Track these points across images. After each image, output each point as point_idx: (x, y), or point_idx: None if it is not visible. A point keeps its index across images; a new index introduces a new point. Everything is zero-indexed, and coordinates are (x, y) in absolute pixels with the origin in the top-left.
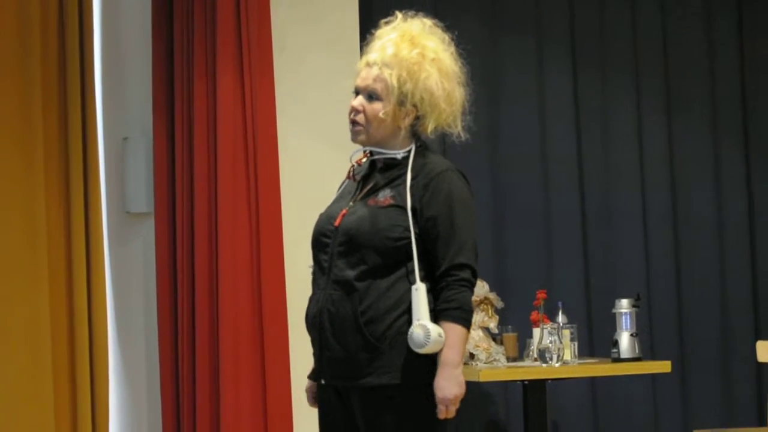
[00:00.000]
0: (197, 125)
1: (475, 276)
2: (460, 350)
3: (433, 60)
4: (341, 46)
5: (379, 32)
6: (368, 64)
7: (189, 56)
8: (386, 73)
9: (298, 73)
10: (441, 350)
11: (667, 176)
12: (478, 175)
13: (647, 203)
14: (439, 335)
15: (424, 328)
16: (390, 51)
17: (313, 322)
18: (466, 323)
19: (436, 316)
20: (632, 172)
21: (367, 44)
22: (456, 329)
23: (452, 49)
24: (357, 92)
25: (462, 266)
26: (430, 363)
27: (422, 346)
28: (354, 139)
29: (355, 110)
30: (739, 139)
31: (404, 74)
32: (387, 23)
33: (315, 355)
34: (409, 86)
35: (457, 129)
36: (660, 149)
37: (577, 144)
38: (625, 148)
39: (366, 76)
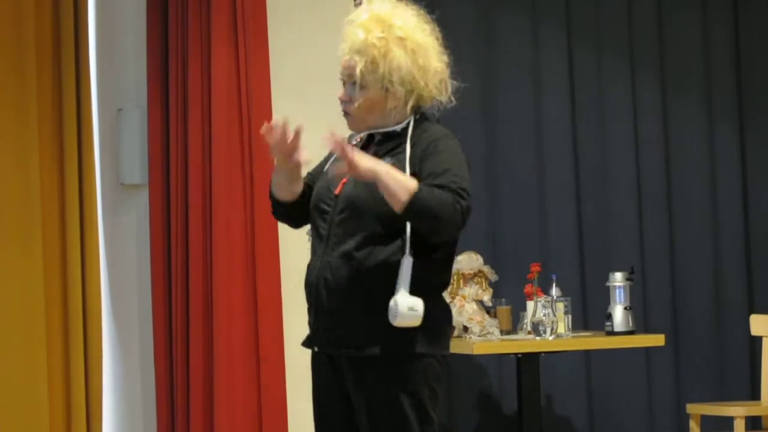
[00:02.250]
0: (191, 96)
1: (465, 198)
2: (389, 177)
3: (400, 38)
4: (333, 5)
5: (350, 17)
6: (344, 53)
7: (183, 27)
8: (358, 60)
9: (292, 41)
10: (420, 323)
11: (661, 150)
12: (472, 147)
13: (641, 177)
14: (410, 309)
15: (395, 302)
16: (361, 36)
17: (310, 289)
18: (419, 195)
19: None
20: (627, 146)
21: (344, 29)
22: (410, 183)
23: (424, 18)
24: (343, 80)
25: (461, 190)
26: (425, 335)
27: (392, 319)
28: (350, 128)
29: (342, 101)
30: (733, 115)
31: (376, 58)
32: (358, 5)
33: (309, 322)
34: (381, 69)
35: (446, 96)
36: (655, 124)
37: (571, 118)
38: (620, 122)
39: (344, 66)
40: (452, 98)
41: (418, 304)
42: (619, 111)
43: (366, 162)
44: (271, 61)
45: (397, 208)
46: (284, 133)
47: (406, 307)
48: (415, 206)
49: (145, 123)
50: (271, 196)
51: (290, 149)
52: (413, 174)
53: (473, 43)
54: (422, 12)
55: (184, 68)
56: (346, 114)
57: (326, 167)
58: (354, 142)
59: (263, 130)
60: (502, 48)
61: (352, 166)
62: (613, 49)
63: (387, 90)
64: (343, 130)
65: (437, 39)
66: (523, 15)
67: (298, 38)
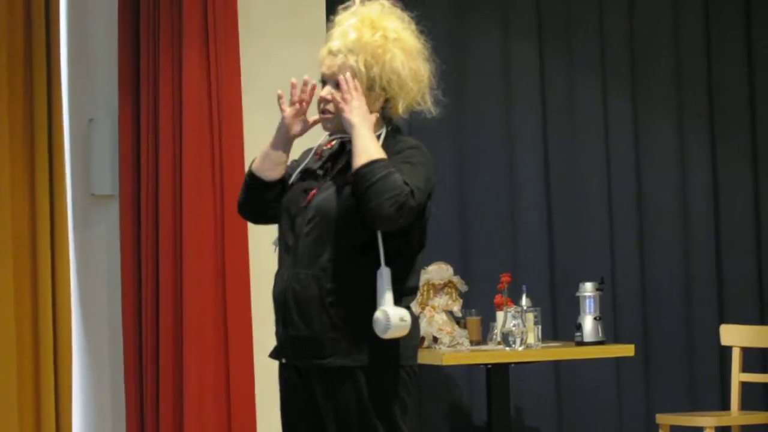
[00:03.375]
0: (162, 107)
1: (414, 199)
2: (361, 137)
3: (395, 40)
4: (307, 16)
5: (337, 18)
6: (331, 52)
7: (155, 38)
8: (351, 59)
9: (263, 51)
10: (407, 333)
11: (632, 161)
12: (442, 157)
13: (612, 188)
14: (401, 319)
15: (385, 314)
16: (352, 36)
17: (278, 300)
18: (376, 165)
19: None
20: (598, 156)
21: (329, 30)
22: (375, 152)
23: (413, 26)
24: (324, 81)
25: (417, 190)
26: (394, 346)
27: (384, 331)
28: (326, 128)
29: (324, 100)
30: (704, 122)
31: (369, 58)
32: (345, 8)
33: (277, 333)
34: (376, 70)
35: (427, 105)
36: (626, 132)
37: (542, 126)
38: (591, 133)
39: (331, 64)
40: (432, 109)
41: (406, 314)
42: (590, 122)
43: (355, 116)
44: (242, 71)
45: (353, 167)
46: (304, 91)
47: (398, 317)
48: (365, 173)
49: (116, 133)
50: (251, 178)
51: (303, 107)
52: None
53: (443, 53)
54: (410, 20)
55: (156, 79)
56: (324, 113)
57: (293, 178)
58: (324, 148)
59: (280, 94)
60: (472, 59)
61: (345, 105)
62: (584, 61)
63: (371, 91)
64: (314, 140)
65: (424, 46)
66: (494, 26)
67: (269, 49)
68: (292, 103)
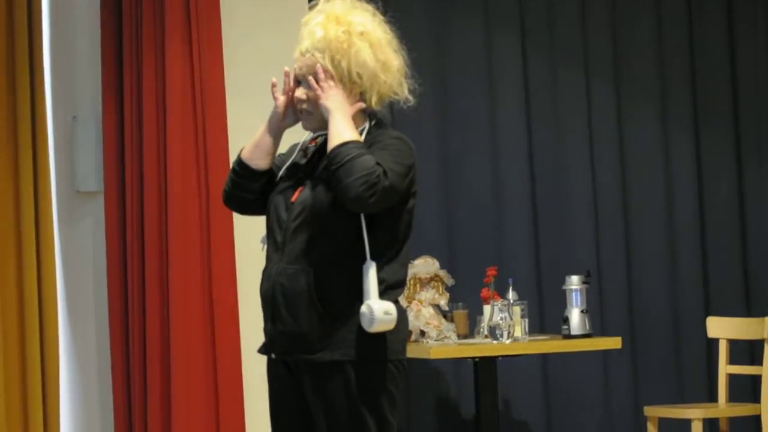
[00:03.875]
0: (146, 103)
1: (387, 179)
2: (337, 122)
3: (361, 33)
4: (291, 21)
5: (305, 18)
6: (301, 53)
7: (138, 33)
8: (319, 57)
9: (247, 48)
10: (394, 327)
11: (617, 153)
12: (426, 151)
13: (597, 180)
14: (385, 313)
15: (369, 308)
16: (319, 34)
17: (266, 296)
18: (348, 146)
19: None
20: (582, 149)
21: (299, 31)
22: (348, 135)
23: (379, 17)
24: (299, 81)
25: (389, 171)
26: (383, 340)
27: (369, 325)
28: (305, 127)
29: (299, 100)
30: (688, 114)
31: (336, 54)
32: (312, 8)
33: (266, 329)
34: (343, 64)
35: (403, 94)
36: (610, 125)
37: (526, 122)
38: (575, 126)
39: (301, 65)
40: (410, 97)
41: (391, 307)
42: (575, 115)
43: (331, 101)
44: (225, 68)
45: (328, 149)
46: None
47: (382, 311)
48: (336, 153)
49: (100, 130)
50: (240, 166)
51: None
52: None
53: (426, 48)
54: (376, 11)
55: (139, 76)
56: (302, 113)
57: (280, 174)
58: (309, 145)
59: (275, 82)
60: (455, 54)
61: (322, 92)
62: (567, 56)
63: (343, 86)
64: (301, 135)
65: (393, 37)
66: (477, 21)
67: (253, 46)
68: (285, 92)
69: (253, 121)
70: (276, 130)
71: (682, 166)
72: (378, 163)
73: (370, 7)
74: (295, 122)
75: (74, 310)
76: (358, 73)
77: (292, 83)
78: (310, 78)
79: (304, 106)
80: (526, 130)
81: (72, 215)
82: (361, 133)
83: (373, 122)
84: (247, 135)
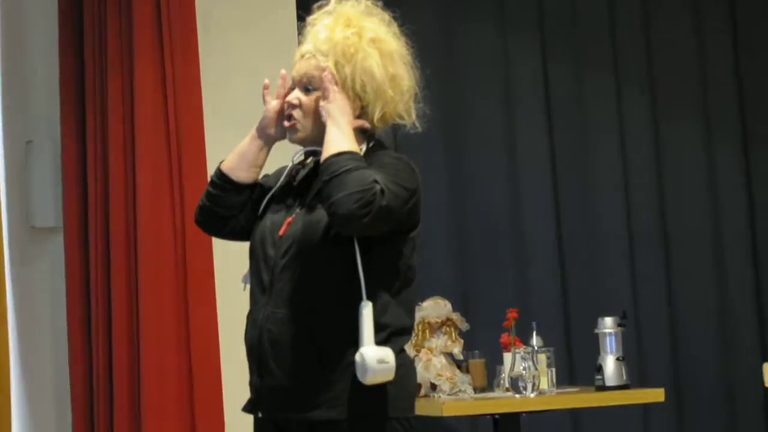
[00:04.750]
0: (112, 125)
1: (384, 198)
2: (335, 132)
3: (372, 40)
4: (275, 24)
5: (311, 19)
6: (302, 56)
7: (101, 46)
8: (321, 60)
9: (224, 57)
10: (394, 377)
11: (654, 177)
12: (436, 176)
13: (632, 208)
14: (379, 361)
15: (361, 356)
16: (323, 35)
17: (251, 345)
18: (342, 157)
19: None
20: (614, 174)
21: (301, 34)
22: (345, 146)
23: (395, 28)
24: (293, 87)
25: (387, 190)
26: (384, 394)
27: (362, 376)
28: (291, 138)
29: (290, 105)
30: (735, 133)
31: (340, 58)
32: (320, 7)
33: (252, 383)
34: (347, 70)
35: (411, 119)
36: (645, 147)
37: (549, 140)
38: (605, 147)
39: (300, 68)
40: (417, 123)
41: (388, 355)
42: (604, 133)
43: (334, 107)
44: (203, 89)
45: (321, 158)
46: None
47: (375, 360)
48: (330, 163)
49: (58, 157)
50: (220, 178)
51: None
52: None
53: (435, 57)
54: (393, 21)
55: (103, 94)
56: (290, 119)
57: (262, 205)
58: (298, 168)
59: (266, 85)
60: (468, 64)
61: (327, 93)
62: (594, 62)
63: (347, 97)
64: (283, 142)
65: (408, 53)
66: (491, 25)
67: (232, 63)
68: (278, 96)
69: (234, 139)
70: (265, 137)
71: (730, 190)
72: (376, 180)
73: (386, 16)
74: (284, 137)
75: (29, 367)
76: (362, 84)
77: (287, 86)
78: (300, 97)
79: (295, 112)
80: (549, 149)
81: (26, 254)
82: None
83: (371, 144)
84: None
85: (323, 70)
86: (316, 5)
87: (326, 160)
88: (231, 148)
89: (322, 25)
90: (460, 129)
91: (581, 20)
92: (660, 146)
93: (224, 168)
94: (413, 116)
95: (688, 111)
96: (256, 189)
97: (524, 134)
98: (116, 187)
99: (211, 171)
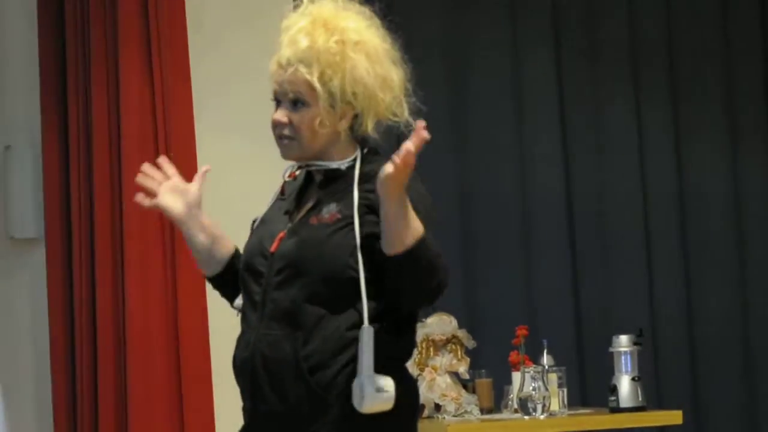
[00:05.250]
0: (96, 130)
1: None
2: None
3: (356, 44)
4: (271, 24)
5: (285, 23)
6: (281, 66)
7: (84, 47)
8: (304, 72)
9: (216, 57)
10: (393, 405)
11: (674, 187)
12: (441, 184)
13: (650, 219)
14: (378, 389)
15: (360, 384)
16: (304, 43)
17: (242, 368)
18: (426, 242)
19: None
20: (632, 183)
21: (278, 37)
22: (419, 224)
23: (376, 22)
24: (277, 99)
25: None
26: (383, 416)
27: (359, 404)
28: (285, 156)
29: (279, 124)
30: (762, 151)
31: (326, 69)
32: (295, 8)
33: (245, 408)
34: (335, 82)
35: (404, 116)
36: (665, 152)
37: (562, 145)
38: (622, 151)
39: (282, 80)
40: (410, 120)
41: (387, 383)
42: (622, 138)
43: (399, 188)
44: (193, 88)
45: (397, 249)
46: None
47: (374, 388)
48: (416, 253)
49: (39, 164)
50: (211, 282)
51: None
52: (362, 223)
53: (441, 57)
54: (369, 12)
55: (86, 97)
56: (282, 139)
57: (256, 222)
58: (287, 179)
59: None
60: (476, 66)
61: (401, 171)
62: (611, 64)
63: (334, 108)
64: (277, 170)
65: (392, 46)
66: (501, 23)
67: (225, 65)
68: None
69: (227, 153)
70: (201, 225)
71: (755, 203)
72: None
73: (364, 9)
74: (196, 202)
75: (8, 387)
76: (353, 93)
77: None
78: (289, 115)
79: (286, 131)
80: (563, 157)
81: (5, 267)
82: (352, 165)
83: (365, 150)
84: (220, 167)
85: (309, 84)
86: (290, 6)
87: (409, 247)
88: (221, 153)
89: (298, 29)
90: (470, 137)
91: (597, 16)
92: (681, 158)
93: (206, 276)
94: (405, 113)
95: (712, 111)
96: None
97: (537, 144)
98: (101, 196)
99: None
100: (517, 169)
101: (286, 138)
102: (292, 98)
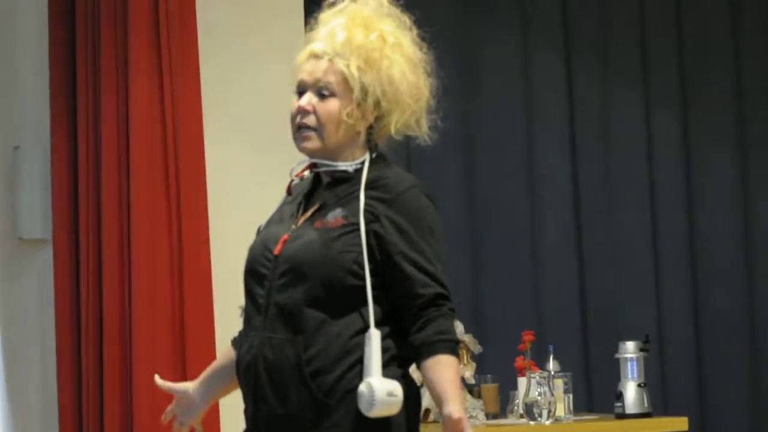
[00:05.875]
0: (105, 131)
1: (452, 307)
2: (458, 382)
3: (394, 45)
4: (282, 30)
5: (322, 16)
6: (315, 55)
7: (94, 48)
8: (341, 63)
9: (226, 61)
10: (400, 409)
11: (682, 189)
12: (448, 191)
13: (658, 223)
14: (389, 394)
15: (370, 387)
16: (341, 37)
17: (245, 371)
18: (457, 353)
19: (416, 354)
20: (640, 190)
21: (310, 31)
22: (452, 360)
23: (413, 32)
24: (301, 90)
25: (439, 297)
26: (386, 420)
27: (368, 409)
28: (303, 147)
29: (302, 111)
30: None
31: (362, 63)
32: (332, 5)
33: (247, 412)
34: (369, 78)
35: (423, 130)
36: (674, 156)
37: (571, 150)
38: (631, 157)
39: (313, 70)
40: (427, 137)
41: (396, 388)
42: (631, 142)
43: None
44: (203, 92)
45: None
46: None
47: (384, 392)
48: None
49: (47, 165)
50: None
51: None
52: (368, 233)
53: (450, 64)
54: (407, 20)
55: (96, 98)
56: (301, 128)
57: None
58: (295, 178)
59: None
60: (486, 72)
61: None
62: (622, 72)
63: (362, 104)
64: (291, 153)
65: (427, 60)
66: (512, 32)
67: (236, 68)
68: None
69: (234, 158)
70: (207, 394)
71: (764, 207)
72: (442, 297)
73: (403, 17)
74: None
75: (15, 388)
76: (383, 92)
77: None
78: (314, 104)
79: (307, 119)
80: (571, 162)
81: (13, 267)
82: (360, 168)
83: (374, 155)
84: (229, 170)
85: (343, 76)
86: (326, 3)
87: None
88: (231, 155)
89: (336, 24)
90: (478, 142)
91: (609, 24)
92: (690, 163)
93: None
94: (425, 128)
95: (722, 121)
96: None
97: (545, 148)
98: (109, 197)
99: (210, 179)
100: (524, 176)
101: (307, 128)
102: (321, 87)
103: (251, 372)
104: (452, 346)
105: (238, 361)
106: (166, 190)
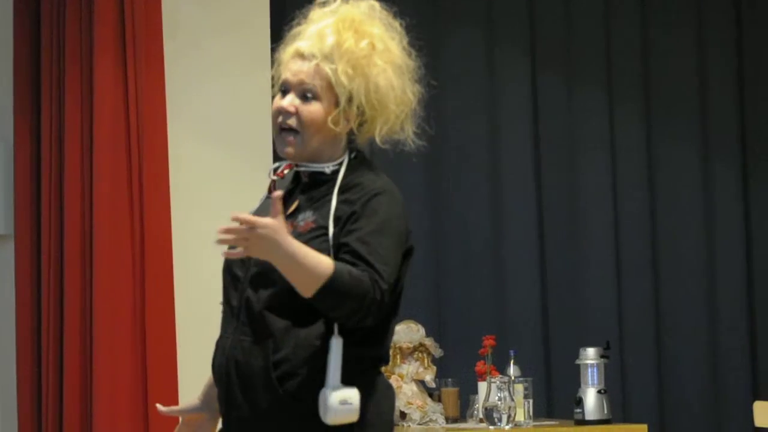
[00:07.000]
0: (68, 128)
1: (381, 290)
2: (301, 257)
3: (383, 52)
4: (248, 33)
5: (312, 15)
6: (301, 55)
7: (59, 44)
8: (327, 68)
9: (192, 63)
10: (356, 418)
11: (646, 199)
12: (413, 192)
13: (621, 232)
14: (341, 402)
15: (324, 396)
16: (330, 40)
17: (219, 373)
18: (334, 281)
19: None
20: (603, 195)
21: (297, 27)
22: (331, 264)
23: (403, 38)
24: (285, 89)
25: (384, 273)
26: (360, 427)
27: (323, 416)
28: (284, 151)
29: (285, 112)
30: (735, 154)
31: (350, 70)
32: (323, 4)
33: (221, 413)
34: (356, 83)
35: (407, 134)
36: (637, 163)
37: (535, 159)
38: (595, 165)
39: (299, 70)
40: (411, 141)
41: (352, 395)
42: (594, 152)
43: (275, 234)
44: (167, 92)
45: (306, 295)
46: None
47: (337, 400)
48: (326, 292)
49: (10, 159)
50: None
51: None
52: (335, 237)
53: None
54: (397, 25)
55: (60, 93)
56: (283, 130)
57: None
58: (274, 178)
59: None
60: (449, 73)
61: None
62: (586, 76)
63: (346, 108)
64: (254, 156)
65: (416, 65)
66: (478, 37)
67: (201, 67)
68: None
69: (200, 156)
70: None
71: (727, 216)
72: (373, 269)
73: (396, 24)
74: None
75: None
76: (369, 100)
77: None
78: (297, 105)
79: (291, 121)
80: (535, 168)
81: None
82: (338, 169)
83: (352, 156)
84: (192, 168)
85: (328, 81)
86: (317, 1)
87: (315, 292)
88: (195, 155)
89: (325, 25)
90: (441, 145)
91: (574, 29)
92: (653, 170)
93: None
94: (410, 132)
95: (686, 124)
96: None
97: (509, 153)
98: (72, 194)
99: (173, 178)
100: (489, 181)
101: (288, 130)
102: (305, 90)
103: (223, 375)
104: (348, 271)
105: (213, 363)
106: (129, 187)
